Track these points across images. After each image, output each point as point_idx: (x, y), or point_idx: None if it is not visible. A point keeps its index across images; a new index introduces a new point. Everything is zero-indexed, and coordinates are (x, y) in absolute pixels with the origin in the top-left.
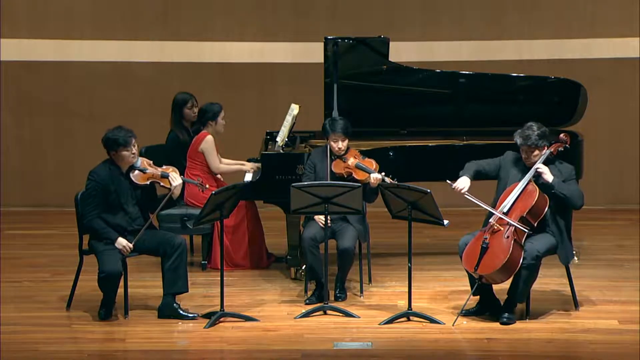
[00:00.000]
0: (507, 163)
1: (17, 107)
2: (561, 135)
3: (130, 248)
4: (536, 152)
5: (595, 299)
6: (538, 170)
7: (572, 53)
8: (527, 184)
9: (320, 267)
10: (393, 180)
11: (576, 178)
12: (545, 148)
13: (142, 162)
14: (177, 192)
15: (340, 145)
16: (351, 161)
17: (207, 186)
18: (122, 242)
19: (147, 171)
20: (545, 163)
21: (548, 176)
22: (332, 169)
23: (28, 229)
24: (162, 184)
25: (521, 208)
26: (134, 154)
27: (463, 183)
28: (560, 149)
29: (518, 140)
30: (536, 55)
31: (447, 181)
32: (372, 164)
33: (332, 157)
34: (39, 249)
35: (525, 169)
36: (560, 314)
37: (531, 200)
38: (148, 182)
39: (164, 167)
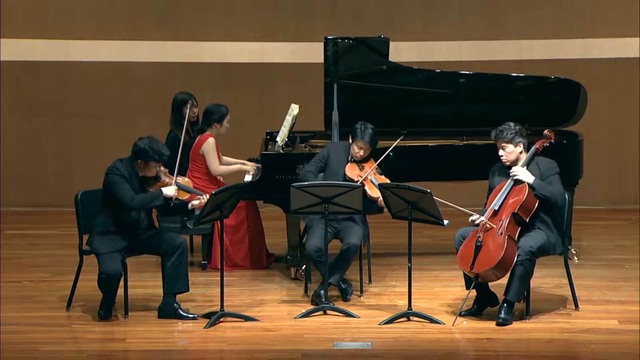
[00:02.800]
0: (493, 175)
1: (17, 107)
2: (545, 131)
3: (176, 189)
4: (510, 147)
5: (595, 299)
6: (514, 176)
7: (572, 53)
8: (515, 182)
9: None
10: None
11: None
12: (521, 145)
13: None
14: (195, 204)
15: (362, 153)
16: (368, 172)
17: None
18: (168, 191)
19: (161, 179)
20: (529, 160)
21: (527, 178)
22: (346, 171)
23: (28, 229)
24: (175, 195)
25: (512, 205)
26: (159, 170)
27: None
28: (546, 144)
29: (493, 134)
30: (536, 55)
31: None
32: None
33: (350, 159)
34: (39, 249)
35: (509, 172)
36: (560, 314)
37: (521, 196)
38: None
39: (179, 177)
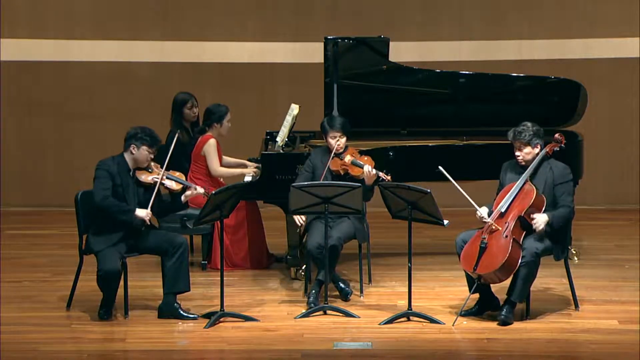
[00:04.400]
0: (505, 172)
1: (17, 107)
2: (556, 135)
3: (150, 214)
4: (528, 148)
5: (595, 299)
6: (535, 226)
7: (572, 53)
8: (524, 184)
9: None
10: (387, 175)
11: (573, 178)
12: (538, 147)
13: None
14: (188, 195)
15: (340, 142)
16: (347, 158)
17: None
18: (141, 212)
19: (153, 171)
20: (539, 163)
21: (544, 225)
22: (330, 166)
23: (28, 229)
24: (166, 185)
25: (519, 208)
26: (151, 157)
27: (482, 211)
28: (556, 148)
29: (511, 135)
30: (536, 55)
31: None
32: (368, 160)
33: (332, 157)
34: (39, 249)
35: (521, 171)
36: (560, 314)
37: (528, 200)
38: (152, 181)
39: (171, 171)
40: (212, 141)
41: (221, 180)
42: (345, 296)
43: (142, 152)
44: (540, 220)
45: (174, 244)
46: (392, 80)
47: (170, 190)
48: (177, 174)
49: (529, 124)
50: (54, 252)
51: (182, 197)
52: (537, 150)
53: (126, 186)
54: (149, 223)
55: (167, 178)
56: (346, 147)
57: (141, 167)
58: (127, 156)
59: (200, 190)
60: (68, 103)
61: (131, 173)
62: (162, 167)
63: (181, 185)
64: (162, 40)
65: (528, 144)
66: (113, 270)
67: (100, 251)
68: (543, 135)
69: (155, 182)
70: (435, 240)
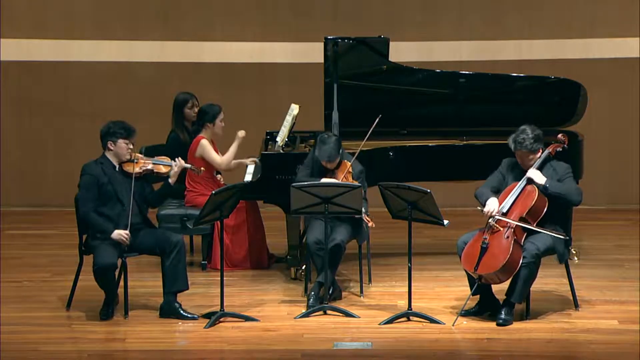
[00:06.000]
0: (506, 170)
1: (17, 107)
2: (559, 135)
3: (127, 235)
4: (531, 155)
5: (595, 299)
6: (528, 177)
7: (572, 53)
8: (526, 184)
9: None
10: (371, 222)
11: (574, 176)
12: (540, 151)
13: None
14: (174, 174)
15: (329, 166)
16: (339, 177)
17: (202, 169)
18: (117, 233)
19: (138, 161)
20: (542, 164)
21: (539, 180)
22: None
23: (28, 229)
24: (155, 170)
25: (520, 208)
26: (130, 148)
27: (493, 205)
28: (559, 149)
29: (512, 145)
30: (536, 55)
31: (478, 208)
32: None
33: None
34: (39, 249)
35: (523, 171)
36: (560, 314)
37: (530, 201)
38: (141, 171)
39: (156, 157)
40: (204, 142)
41: (221, 181)
42: (325, 297)
43: (120, 145)
44: (535, 173)
45: (170, 242)
46: (392, 80)
47: (161, 175)
48: (163, 158)
49: (528, 130)
50: (54, 252)
51: (170, 180)
52: (539, 154)
53: (116, 183)
54: (127, 243)
55: (154, 163)
56: (340, 160)
57: (125, 160)
58: (108, 154)
59: (184, 164)
60: (68, 103)
61: (117, 169)
62: (146, 158)
63: (169, 167)
64: (162, 40)
65: (531, 151)
66: (107, 264)
67: (97, 247)
68: (542, 136)
69: (145, 171)
70: (435, 240)
